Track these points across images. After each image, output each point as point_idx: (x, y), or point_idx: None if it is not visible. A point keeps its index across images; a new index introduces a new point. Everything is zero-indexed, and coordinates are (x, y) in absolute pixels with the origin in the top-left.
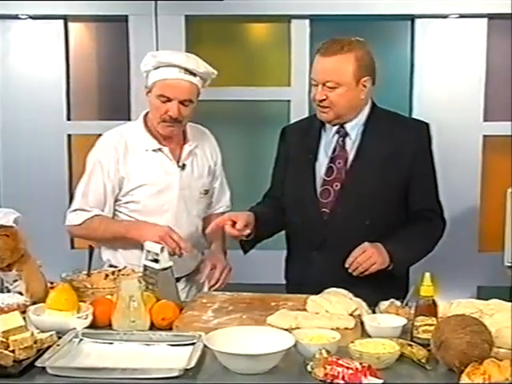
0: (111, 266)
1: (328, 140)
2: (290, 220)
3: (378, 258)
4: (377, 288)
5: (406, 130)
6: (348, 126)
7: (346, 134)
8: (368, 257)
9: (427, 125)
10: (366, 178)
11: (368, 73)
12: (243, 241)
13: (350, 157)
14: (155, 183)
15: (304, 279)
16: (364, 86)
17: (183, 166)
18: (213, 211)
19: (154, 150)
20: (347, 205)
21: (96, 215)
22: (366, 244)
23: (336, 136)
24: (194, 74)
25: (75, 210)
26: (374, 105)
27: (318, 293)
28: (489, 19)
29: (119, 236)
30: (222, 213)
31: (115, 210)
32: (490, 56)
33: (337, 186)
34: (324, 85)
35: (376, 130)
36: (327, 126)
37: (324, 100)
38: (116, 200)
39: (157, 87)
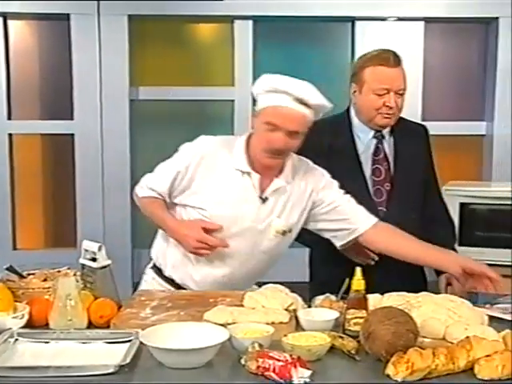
0: (154, 265)
1: (364, 142)
2: None
3: None
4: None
5: (416, 131)
6: (384, 130)
7: (383, 137)
8: None
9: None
10: (409, 177)
11: None
12: None
13: (390, 158)
14: (231, 203)
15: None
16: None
17: (264, 200)
18: (355, 236)
19: (242, 172)
20: (399, 202)
21: (154, 197)
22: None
23: (374, 140)
24: (308, 105)
25: (145, 183)
26: None
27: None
28: (425, 22)
29: (160, 227)
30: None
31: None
32: (426, 58)
33: (388, 186)
34: (396, 92)
35: (400, 133)
36: (359, 129)
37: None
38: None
39: (266, 113)
